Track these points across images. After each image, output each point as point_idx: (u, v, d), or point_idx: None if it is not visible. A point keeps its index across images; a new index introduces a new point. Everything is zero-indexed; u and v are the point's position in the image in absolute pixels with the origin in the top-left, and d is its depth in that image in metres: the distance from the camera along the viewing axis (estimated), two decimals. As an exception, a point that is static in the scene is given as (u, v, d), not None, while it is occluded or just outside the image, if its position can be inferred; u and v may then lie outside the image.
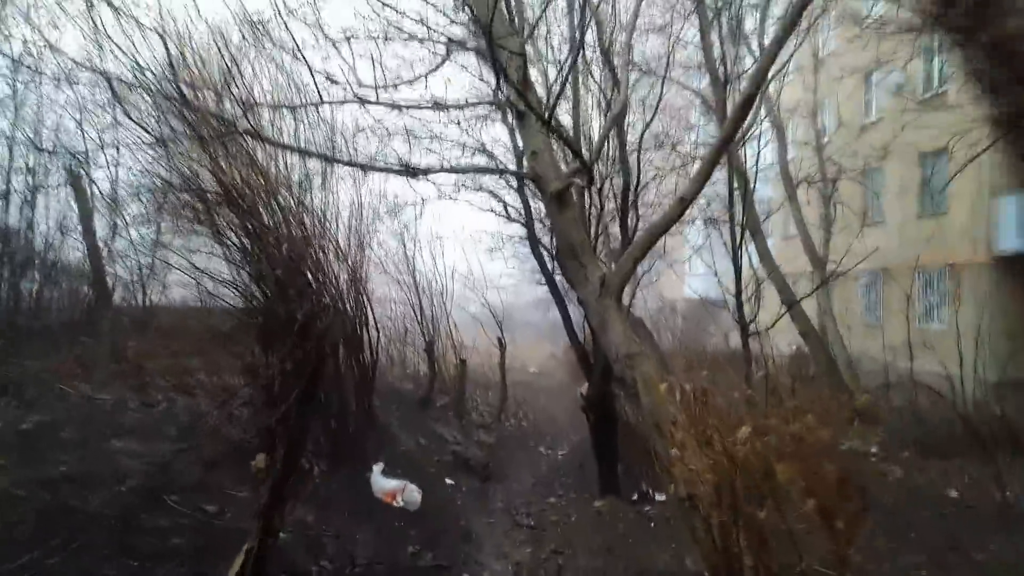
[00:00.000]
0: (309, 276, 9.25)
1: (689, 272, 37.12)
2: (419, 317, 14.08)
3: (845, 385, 12.70)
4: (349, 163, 5.25)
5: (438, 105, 5.55)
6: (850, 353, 16.05)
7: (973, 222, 17.70)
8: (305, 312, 8.79)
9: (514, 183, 9.26)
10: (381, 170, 5.00)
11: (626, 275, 5.38)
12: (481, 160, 9.49)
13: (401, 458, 9.57)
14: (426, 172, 5.01)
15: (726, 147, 5.31)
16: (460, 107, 5.65)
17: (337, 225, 10.43)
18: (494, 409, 15.21)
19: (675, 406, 5.19)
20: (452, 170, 4.90)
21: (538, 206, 9.83)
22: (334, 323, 9.45)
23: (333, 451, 8.20)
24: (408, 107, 5.61)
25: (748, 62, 12.94)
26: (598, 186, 8.29)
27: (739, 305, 10.92)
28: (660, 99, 9.32)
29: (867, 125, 20.83)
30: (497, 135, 9.43)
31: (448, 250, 15.16)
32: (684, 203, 5.36)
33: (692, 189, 5.36)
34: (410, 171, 4.97)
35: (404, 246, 14.31)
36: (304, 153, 5.38)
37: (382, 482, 7.75)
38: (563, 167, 6.10)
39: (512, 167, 9.58)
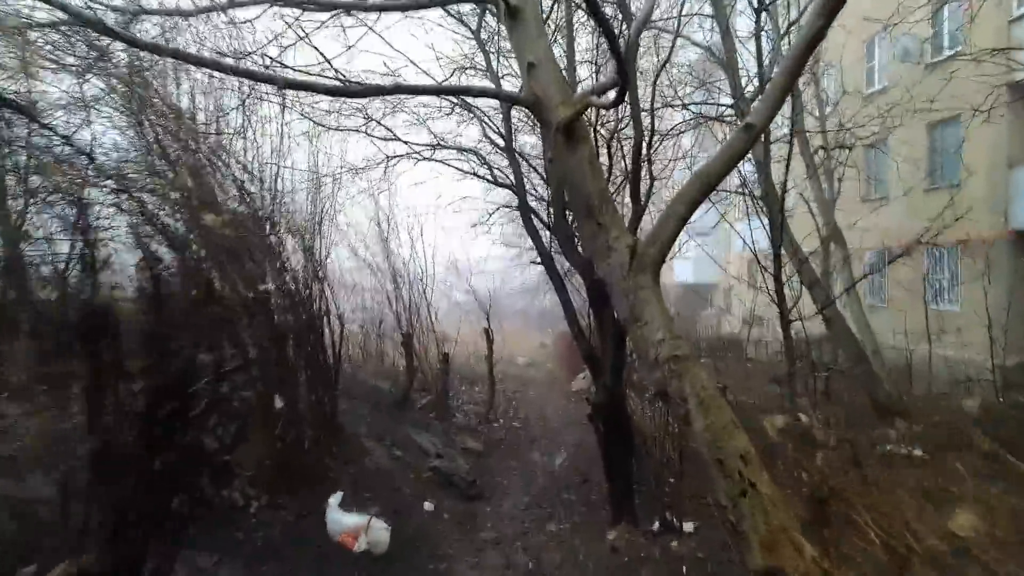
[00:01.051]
0: (248, 256, 7.48)
1: (680, 255, 35.55)
2: (395, 306, 12.24)
3: (877, 376, 11.06)
4: (263, 78, 3.38)
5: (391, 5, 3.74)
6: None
7: (989, 195, 16.08)
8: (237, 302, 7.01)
9: (500, 141, 7.45)
10: (308, 88, 3.13)
11: (667, 242, 3.60)
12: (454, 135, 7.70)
13: (370, 478, 7.78)
14: (378, 92, 3.19)
15: (800, 68, 3.50)
16: (423, 5, 3.87)
17: (292, 196, 8.66)
18: (481, 408, 13.45)
19: (742, 432, 3.50)
20: (409, 90, 3.15)
21: (529, 170, 8.02)
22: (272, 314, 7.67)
23: (279, 478, 6.37)
24: (343, 5, 3.75)
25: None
26: (606, 138, 6.50)
27: (779, 290, 9.19)
28: (671, 52, 7.55)
29: (872, 94, 19.18)
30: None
31: (428, 230, 13.23)
32: (752, 132, 3.59)
33: (764, 114, 3.59)
34: (348, 90, 3.14)
35: (378, 226, 12.45)
36: (204, 65, 3.53)
37: (340, 519, 5.96)
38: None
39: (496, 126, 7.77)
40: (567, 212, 7.01)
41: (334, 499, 6.13)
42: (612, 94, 3.84)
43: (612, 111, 7.17)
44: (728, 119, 10.63)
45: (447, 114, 7.88)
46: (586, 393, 17.41)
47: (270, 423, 6.63)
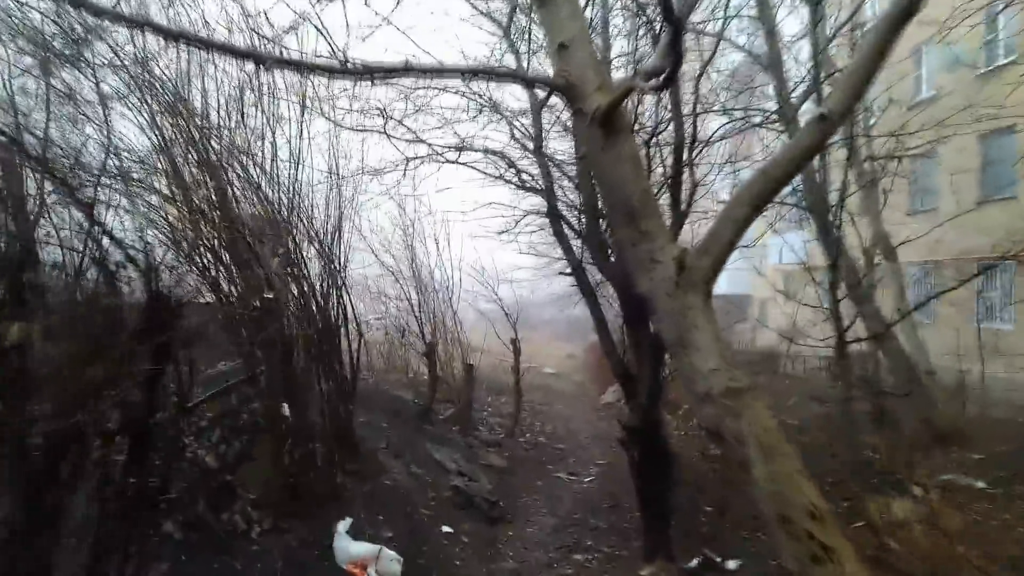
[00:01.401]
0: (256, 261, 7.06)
1: None
2: (419, 315, 11.75)
3: (931, 399, 10.25)
4: (246, 54, 2.90)
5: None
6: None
7: (1045, 208, 15.11)
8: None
9: (529, 144, 6.90)
10: (300, 67, 2.64)
11: (722, 253, 3.04)
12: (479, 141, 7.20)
13: (386, 497, 7.29)
14: (384, 74, 2.69)
15: (886, 50, 2.91)
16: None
17: (311, 198, 8.24)
18: (506, 421, 12.89)
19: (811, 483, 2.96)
20: (422, 71, 2.66)
21: (560, 176, 7.47)
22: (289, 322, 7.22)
23: (286, 499, 5.89)
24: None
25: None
26: (643, 140, 5.91)
27: (835, 307, 8.51)
28: (714, 53, 6.96)
29: (920, 102, 18.23)
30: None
31: (454, 237, 12.74)
32: (827, 124, 3.02)
33: (842, 103, 3.01)
34: (348, 70, 2.65)
35: (403, 232, 12.01)
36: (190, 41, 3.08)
37: (348, 547, 5.47)
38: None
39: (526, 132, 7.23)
40: (600, 218, 6.44)
41: (342, 525, 5.63)
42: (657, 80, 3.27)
43: (648, 115, 6.61)
44: (772, 126, 10.02)
45: (473, 117, 7.38)
46: (616, 409, 16.79)
47: (278, 439, 6.16)
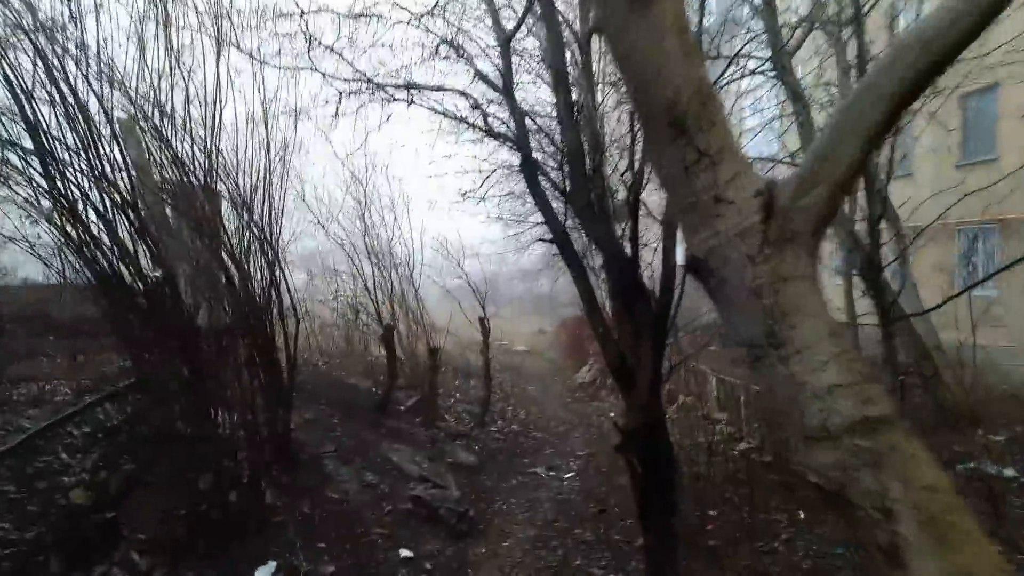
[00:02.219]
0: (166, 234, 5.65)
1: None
2: (374, 294, 10.32)
3: (941, 377, 9.22)
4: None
5: None
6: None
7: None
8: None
9: (496, 83, 5.46)
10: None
11: (840, 184, 1.59)
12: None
13: (331, 517, 5.95)
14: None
15: None
16: None
17: (238, 157, 6.73)
18: (476, 407, 11.59)
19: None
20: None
21: (533, 124, 6.04)
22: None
23: (190, 536, 4.50)
24: None
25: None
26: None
27: (875, 278, 7.35)
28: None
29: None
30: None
31: (413, 205, 11.24)
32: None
33: None
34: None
35: (356, 200, 10.49)
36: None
37: (269, 602, 4.10)
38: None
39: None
40: (589, 166, 5.09)
41: (263, 571, 4.27)
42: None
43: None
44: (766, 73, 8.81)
45: (427, 58, 5.89)
46: (591, 389, 15.63)
47: (182, 457, 4.75)
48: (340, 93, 5.10)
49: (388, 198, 10.75)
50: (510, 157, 6.39)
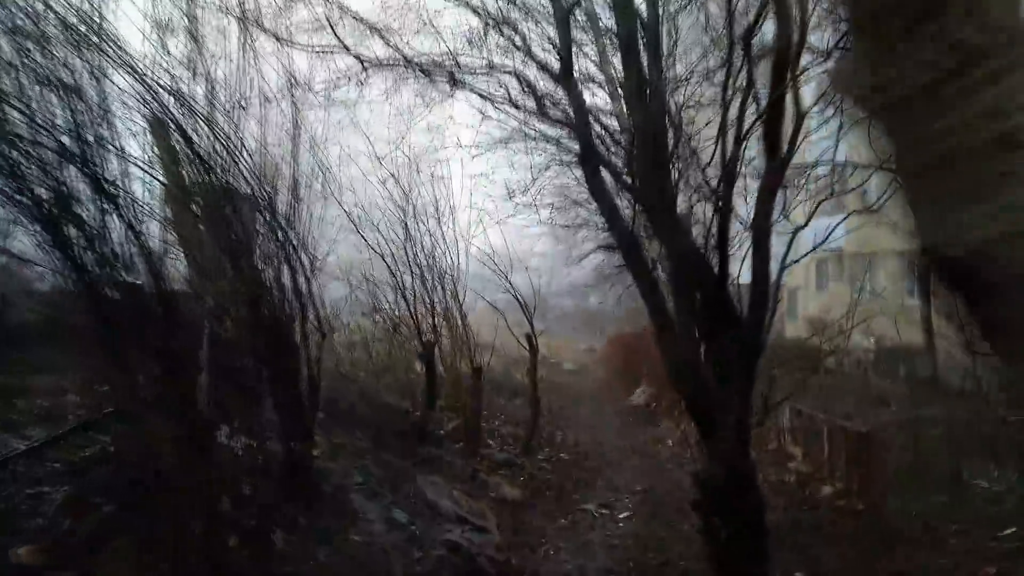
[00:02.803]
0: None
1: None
2: (412, 307, 9.51)
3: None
4: None
5: None
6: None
7: None
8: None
9: (553, 64, 4.55)
10: None
11: None
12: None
13: (352, 565, 5.06)
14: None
15: None
16: None
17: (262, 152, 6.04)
18: (521, 431, 10.65)
19: None
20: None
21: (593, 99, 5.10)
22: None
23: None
24: None
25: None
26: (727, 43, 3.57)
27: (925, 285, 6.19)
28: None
29: None
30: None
31: (459, 210, 10.42)
32: None
33: None
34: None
35: (398, 206, 9.70)
36: None
37: None
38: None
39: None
40: (663, 158, 4.13)
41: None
42: None
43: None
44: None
45: (475, 41, 5.04)
46: (644, 413, 14.38)
47: (167, 501, 3.95)
48: (364, 63, 4.27)
49: (431, 202, 9.86)
50: (562, 154, 5.47)
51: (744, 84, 4.04)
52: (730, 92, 4.01)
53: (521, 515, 7.45)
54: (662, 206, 4.15)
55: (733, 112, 4.36)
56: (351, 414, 8.39)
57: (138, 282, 3.81)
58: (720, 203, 4.04)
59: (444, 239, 10.57)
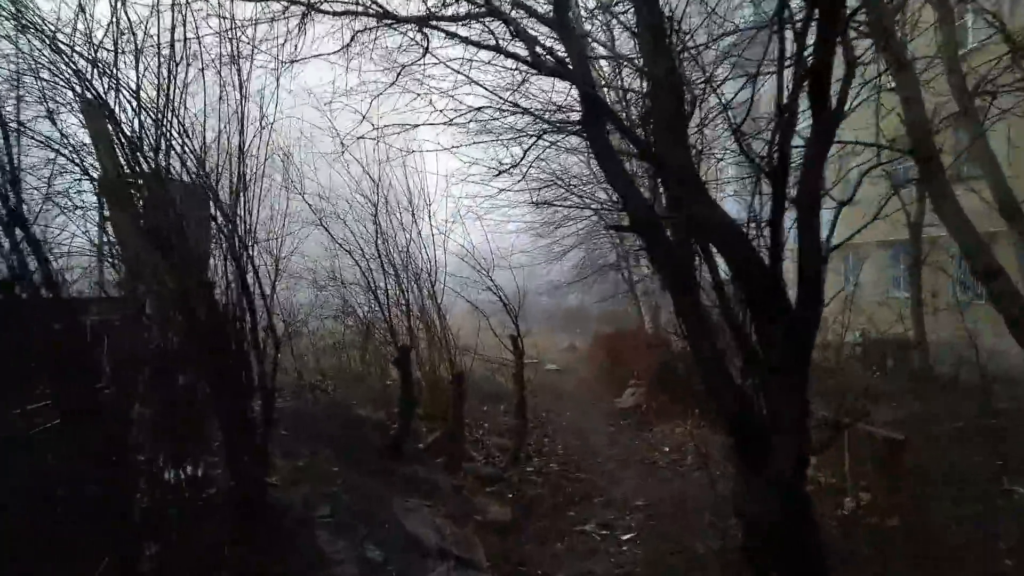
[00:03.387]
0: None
1: None
2: (387, 311, 8.56)
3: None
4: None
5: None
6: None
7: None
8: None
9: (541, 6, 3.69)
10: None
11: None
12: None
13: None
14: None
15: None
16: None
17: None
18: (508, 441, 9.77)
19: None
20: None
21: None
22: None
23: None
24: None
25: None
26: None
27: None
28: None
29: None
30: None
31: (436, 203, 9.50)
32: None
33: None
34: None
35: (366, 199, 8.74)
36: None
37: None
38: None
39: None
40: (683, 117, 3.26)
41: None
42: None
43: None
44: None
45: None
46: (635, 416, 13.48)
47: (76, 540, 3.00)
48: (306, 4, 3.35)
49: (405, 195, 8.92)
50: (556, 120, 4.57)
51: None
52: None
53: (511, 540, 6.56)
54: (688, 173, 3.29)
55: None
56: (319, 430, 7.43)
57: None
58: (776, 158, 3.16)
59: (420, 235, 9.67)
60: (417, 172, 9.05)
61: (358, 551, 5.12)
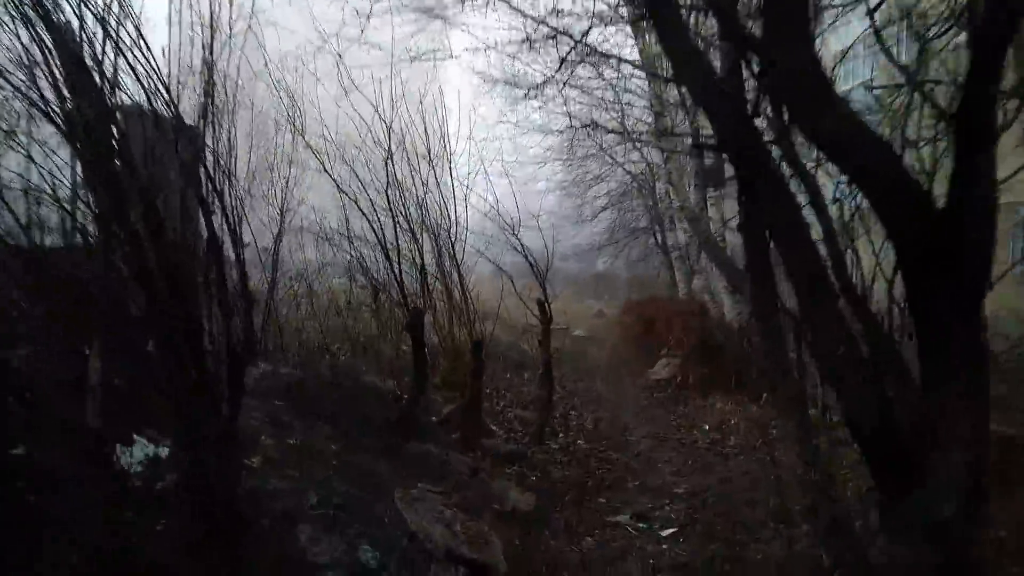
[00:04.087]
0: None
1: (729, 227, 29.60)
2: (398, 269, 7.58)
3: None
4: None
5: None
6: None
7: None
8: None
9: None
10: None
11: None
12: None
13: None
14: None
15: None
16: None
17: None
18: (530, 414, 8.84)
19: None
20: None
21: None
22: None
23: None
24: None
25: None
26: None
27: None
28: None
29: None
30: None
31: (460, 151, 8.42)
32: None
33: None
34: None
35: (379, 144, 7.71)
36: None
37: None
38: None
39: None
40: None
41: None
42: None
43: None
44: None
45: None
46: (667, 389, 12.31)
47: None
48: None
49: (421, 138, 7.85)
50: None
51: None
52: None
53: (534, 533, 5.62)
54: (814, 76, 2.18)
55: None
56: (319, 403, 6.55)
57: None
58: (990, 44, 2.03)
59: (439, 186, 8.61)
60: (437, 113, 7.94)
61: (347, 552, 4.21)
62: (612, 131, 11.85)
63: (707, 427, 9.11)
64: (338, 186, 7.33)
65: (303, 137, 6.92)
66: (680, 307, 15.09)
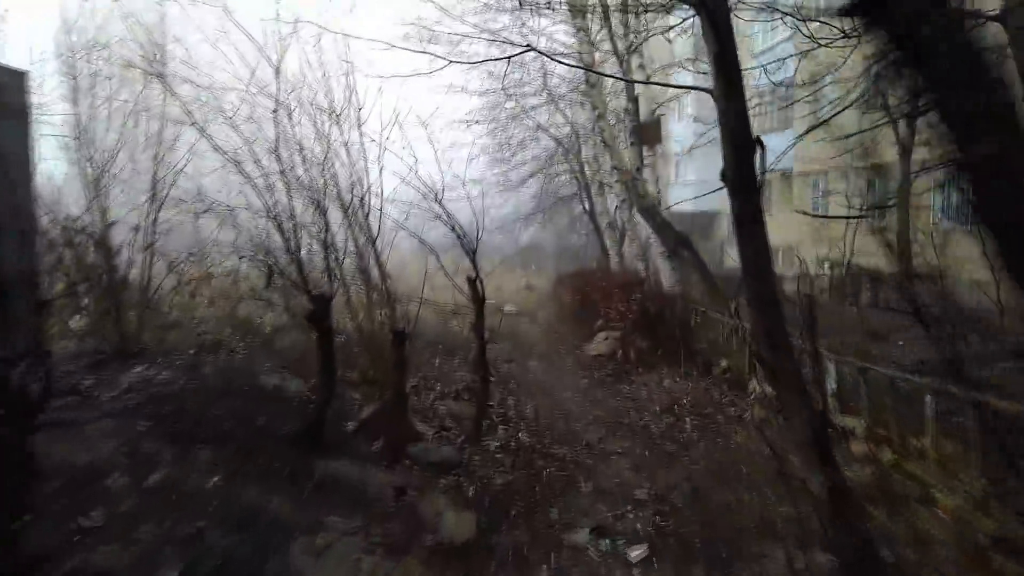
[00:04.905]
0: None
1: (678, 182, 29.24)
2: (295, 246, 6.17)
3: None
4: None
5: None
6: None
7: None
8: None
9: None
10: None
11: None
12: None
13: None
14: None
15: None
16: None
17: None
18: (465, 408, 7.71)
19: None
20: None
21: None
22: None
23: None
24: None
25: None
26: None
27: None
28: None
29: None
30: None
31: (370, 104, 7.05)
32: None
33: None
34: None
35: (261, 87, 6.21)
36: None
37: None
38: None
39: None
40: None
41: None
42: None
43: None
44: None
45: None
46: (610, 365, 11.36)
47: None
48: None
49: (321, 84, 6.41)
50: None
51: None
52: None
53: (477, 567, 4.51)
54: None
55: None
56: (200, 418, 5.15)
57: None
58: None
59: (347, 145, 7.18)
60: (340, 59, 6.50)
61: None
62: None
63: (658, 409, 8.24)
64: (210, 141, 5.79)
65: (162, 82, 5.37)
66: (616, 278, 14.22)
